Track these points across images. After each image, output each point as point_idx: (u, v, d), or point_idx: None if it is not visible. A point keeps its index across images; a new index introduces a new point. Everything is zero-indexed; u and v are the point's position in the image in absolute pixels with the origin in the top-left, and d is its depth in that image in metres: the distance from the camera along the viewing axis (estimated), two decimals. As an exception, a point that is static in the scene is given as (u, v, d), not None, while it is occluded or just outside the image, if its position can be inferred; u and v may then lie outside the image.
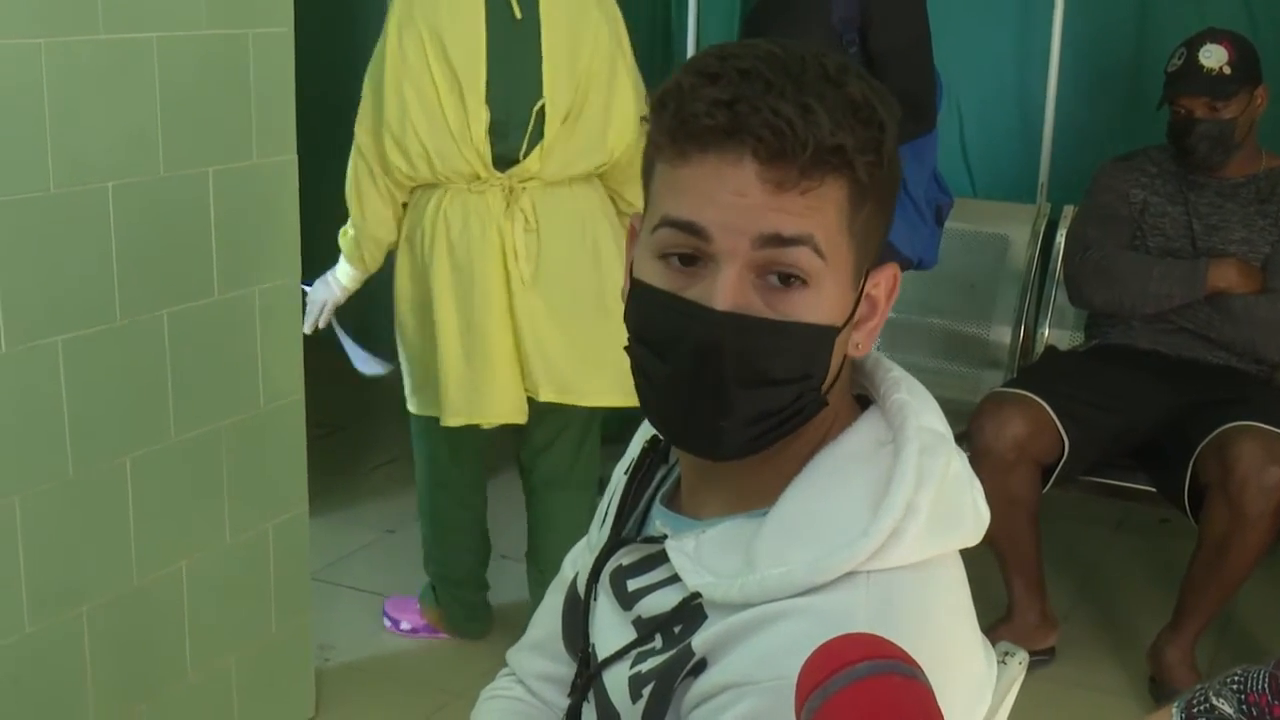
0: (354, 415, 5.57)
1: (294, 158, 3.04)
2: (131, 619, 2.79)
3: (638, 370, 1.28)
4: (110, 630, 2.75)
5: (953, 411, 4.03)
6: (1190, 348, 3.71)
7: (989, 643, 1.37)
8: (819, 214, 1.19)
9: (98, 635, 2.72)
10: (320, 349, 5.98)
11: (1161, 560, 4.25)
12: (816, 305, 1.22)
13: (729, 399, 1.23)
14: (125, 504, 2.74)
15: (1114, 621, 3.99)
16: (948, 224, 4.53)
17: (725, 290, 1.20)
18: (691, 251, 1.22)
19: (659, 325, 1.25)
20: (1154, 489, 3.68)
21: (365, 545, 4.39)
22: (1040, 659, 3.67)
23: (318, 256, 5.67)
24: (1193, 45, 3.68)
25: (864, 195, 1.22)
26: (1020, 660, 1.45)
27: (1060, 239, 4.33)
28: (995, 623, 3.67)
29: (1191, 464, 3.41)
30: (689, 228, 1.21)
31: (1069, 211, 4.28)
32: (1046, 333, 4.39)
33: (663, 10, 4.89)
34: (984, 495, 1.32)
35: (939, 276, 4.50)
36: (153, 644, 2.88)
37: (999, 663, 1.43)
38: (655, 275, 1.25)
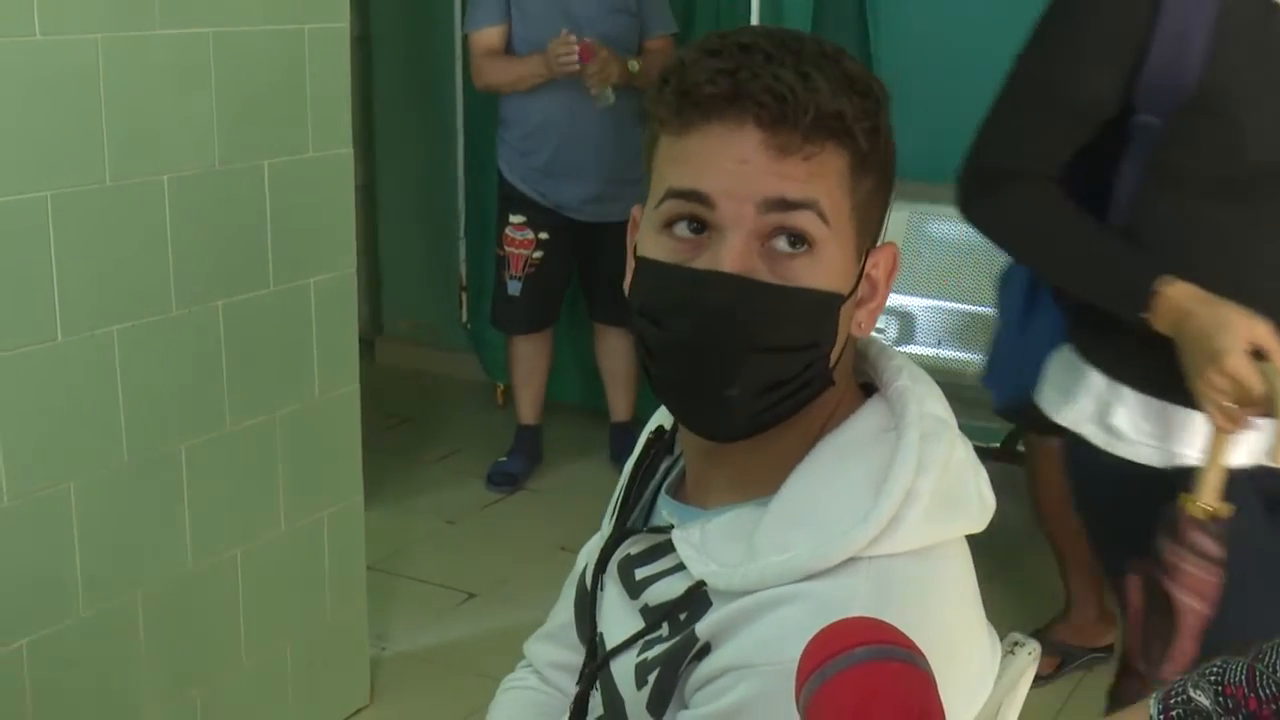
0: (421, 407, 5.63)
1: (349, 151, 3.07)
2: (186, 605, 2.84)
3: (645, 348, 1.29)
4: (165, 616, 2.79)
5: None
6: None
7: (994, 631, 1.37)
8: (822, 180, 1.21)
9: (152, 620, 2.76)
10: (393, 344, 6.07)
11: (1226, 558, 4.20)
12: (821, 271, 1.23)
13: (739, 366, 1.23)
14: (180, 491, 2.78)
15: (1175, 619, 3.95)
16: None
17: (731, 255, 1.21)
18: (697, 217, 1.23)
19: (667, 296, 1.25)
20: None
21: (425, 536, 4.42)
22: (1098, 656, 3.65)
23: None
24: None
25: (865, 165, 1.23)
26: (1030, 651, 1.45)
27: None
28: (1053, 618, 3.65)
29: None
30: (693, 195, 1.22)
31: (1132, 205, 4.23)
32: (1109, 327, 4.34)
33: (727, 4, 4.89)
34: (988, 481, 1.31)
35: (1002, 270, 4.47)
36: (207, 630, 2.92)
37: (1008, 653, 1.43)
38: (660, 250, 1.26)
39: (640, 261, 1.28)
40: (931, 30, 4.79)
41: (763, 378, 1.24)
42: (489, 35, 4.50)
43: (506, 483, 4.83)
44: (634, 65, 4.43)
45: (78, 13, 2.46)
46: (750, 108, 1.19)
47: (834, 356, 1.27)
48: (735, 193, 1.21)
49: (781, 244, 1.22)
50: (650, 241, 1.27)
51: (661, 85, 1.24)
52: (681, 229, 1.24)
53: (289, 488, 3.04)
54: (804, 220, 1.21)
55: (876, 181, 1.26)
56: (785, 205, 1.21)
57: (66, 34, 2.44)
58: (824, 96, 1.19)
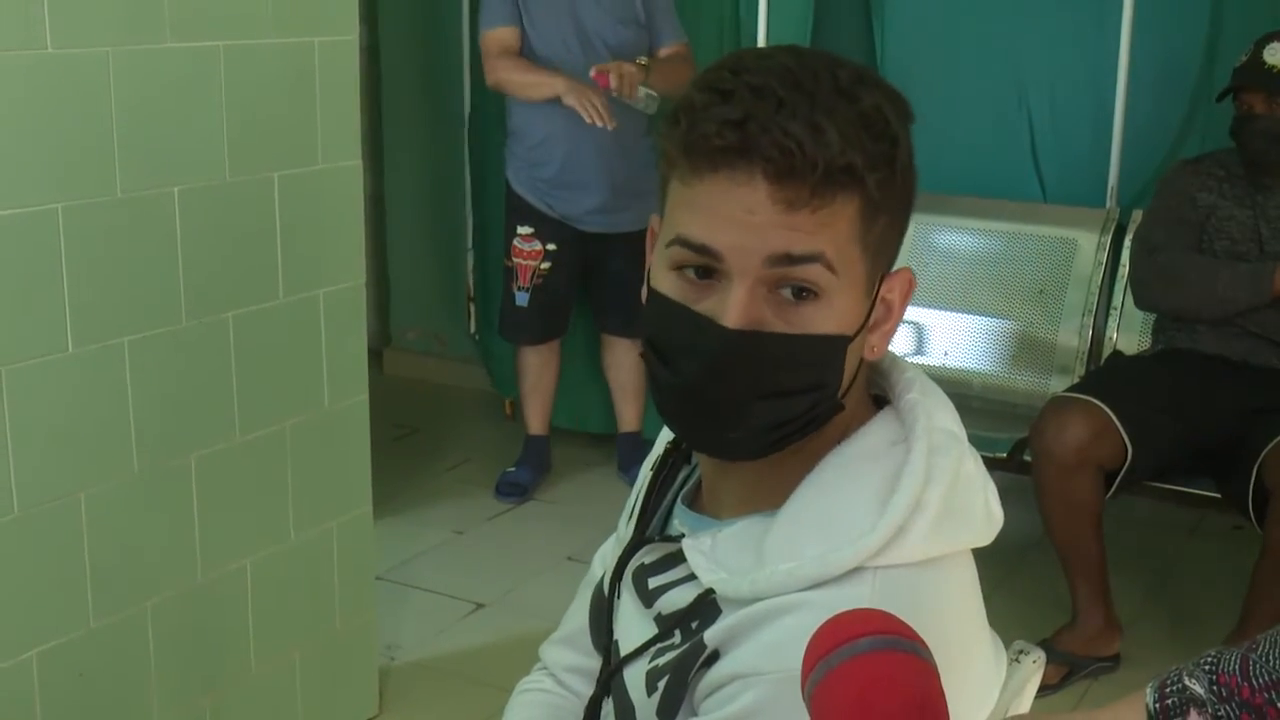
0: (429, 417, 5.64)
1: (358, 163, 3.08)
2: (196, 614, 2.85)
3: (653, 380, 1.31)
4: (175, 625, 2.80)
5: (1020, 416, 4.03)
6: (1257, 352, 3.67)
7: (1000, 642, 1.38)
8: (830, 230, 1.21)
9: (162, 630, 2.77)
10: (400, 355, 6.09)
11: (1233, 567, 4.20)
12: (828, 317, 1.24)
13: (741, 412, 1.25)
14: (190, 502, 2.79)
15: (1182, 629, 3.95)
16: (1016, 227, 4.53)
17: (736, 307, 1.22)
18: (705, 266, 1.24)
19: (672, 337, 1.27)
20: (1220, 495, 3.66)
21: (434, 546, 4.43)
22: (1105, 665, 3.65)
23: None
24: (1262, 41, 3.66)
25: (876, 210, 1.23)
26: (1035, 659, 1.46)
27: (1129, 243, 4.30)
28: (1059, 628, 3.65)
29: (1256, 469, 3.38)
30: (701, 250, 1.23)
31: (1138, 215, 4.24)
32: (1115, 337, 4.36)
33: (731, 10, 4.90)
34: (998, 496, 1.32)
35: (1008, 280, 4.50)
36: (217, 639, 2.93)
37: (1013, 661, 1.44)
38: (670, 286, 1.27)
39: (652, 294, 1.29)
40: (938, 41, 4.81)
41: (766, 419, 1.26)
42: (503, 34, 4.51)
43: (515, 493, 4.84)
44: (642, 60, 4.46)
45: (89, 25, 2.47)
46: (758, 162, 1.18)
47: (843, 389, 1.28)
48: (742, 247, 1.21)
49: (789, 293, 1.23)
50: (661, 274, 1.28)
51: (673, 125, 1.24)
52: (690, 273, 1.25)
53: (298, 498, 3.05)
54: (810, 273, 1.22)
55: (891, 217, 1.26)
56: (791, 260, 1.21)
57: (78, 47, 2.46)
58: (834, 150, 1.18)
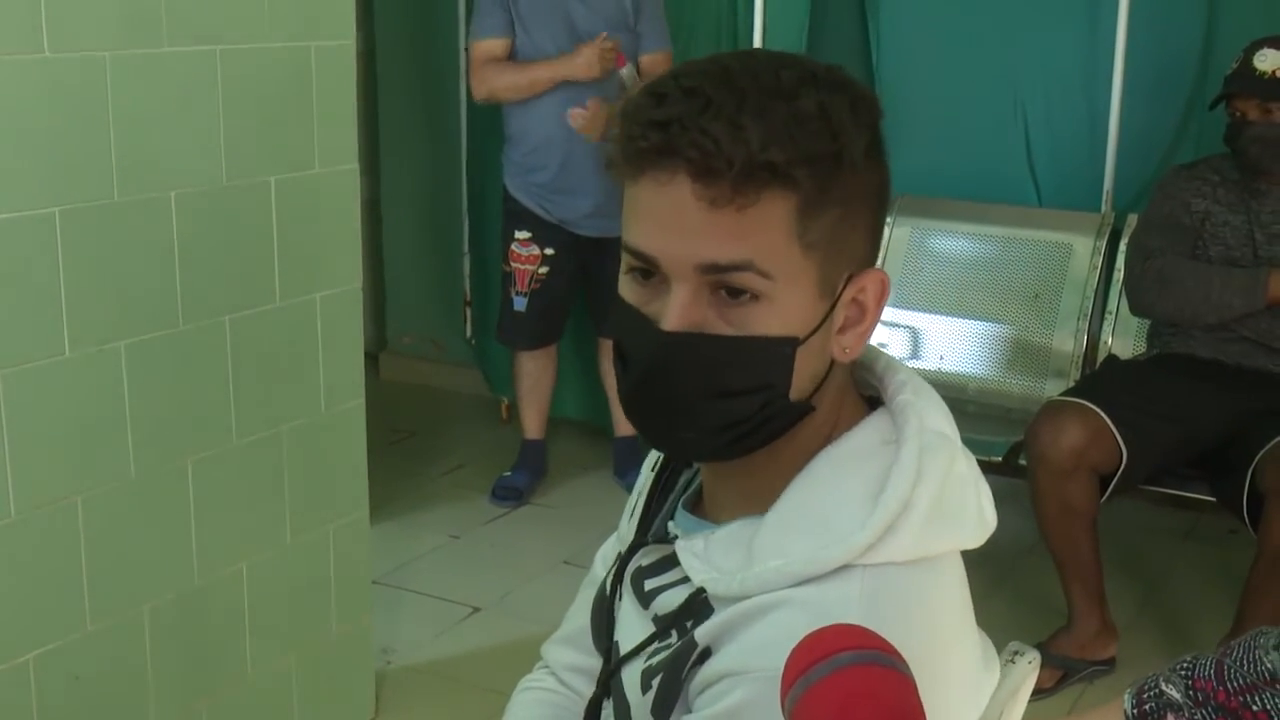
0: (425, 422, 5.64)
1: (355, 167, 3.08)
2: (192, 618, 2.85)
3: (616, 377, 1.34)
4: (171, 629, 2.80)
5: (1015, 420, 4.04)
6: (1251, 357, 3.68)
7: (990, 644, 1.38)
8: (760, 233, 1.21)
9: (159, 634, 2.78)
10: (397, 359, 6.09)
11: (1228, 571, 4.21)
12: (770, 318, 1.24)
13: (686, 412, 1.27)
14: (186, 505, 2.79)
15: (1178, 632, 3.96)
16: (1012, 232, 4.54)
17: (674, 310, 1.24)
18: (648, 270, 1.26)
19: (625, 339, 1.30)
20: (1214, 499, 3.66)
21: (430, 550, 4.44)
22: (1101, 668, 3.66)
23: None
24: (1251, 48, 3.67)
25: (818, 205, 1.22)
26: (1030, 660, 1.46)
27: (1124, 247, 4.31)
28: (1056, 631, 3.66)
29: (1250, 473, 3.39)
30: (639, 255, 1.26)
31: (1133, 220, 4.25)
32: (1110, 341, 4.37)
33: (729, 14, 4.91)
34: (991, 499, 1.32)
35: (1003, 284, 4.51)
36: (213, 643, 2.93)
37: (1008, 662, 1.44)
38: (627, 289, 1.30)
39: (616, 297, 1.31)
40: (933, 49, 4.82)
41: (714, 420, 1.27)
42: (492, 45, 4.51)
43: (511, 497, 4.85)
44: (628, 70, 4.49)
45: (87, 30, 2.48)
46: (680, 161, 1.19)
47: (802, 389, 1.28)
48: (674, 253, 1.23)
49: (725, 294, 1.23)
50: (623, 279, 1.30)
51: (616, 130, 1.26)
52: (639, 277, 1.28)
53: (295, 502, 3.05)
54: (741, 279, 1.22)
55: (845, 211, 1.24)
56: (719, 269, 1.22)
57: (75, 51, 2.47)
58: (753, 147, 1.17)
